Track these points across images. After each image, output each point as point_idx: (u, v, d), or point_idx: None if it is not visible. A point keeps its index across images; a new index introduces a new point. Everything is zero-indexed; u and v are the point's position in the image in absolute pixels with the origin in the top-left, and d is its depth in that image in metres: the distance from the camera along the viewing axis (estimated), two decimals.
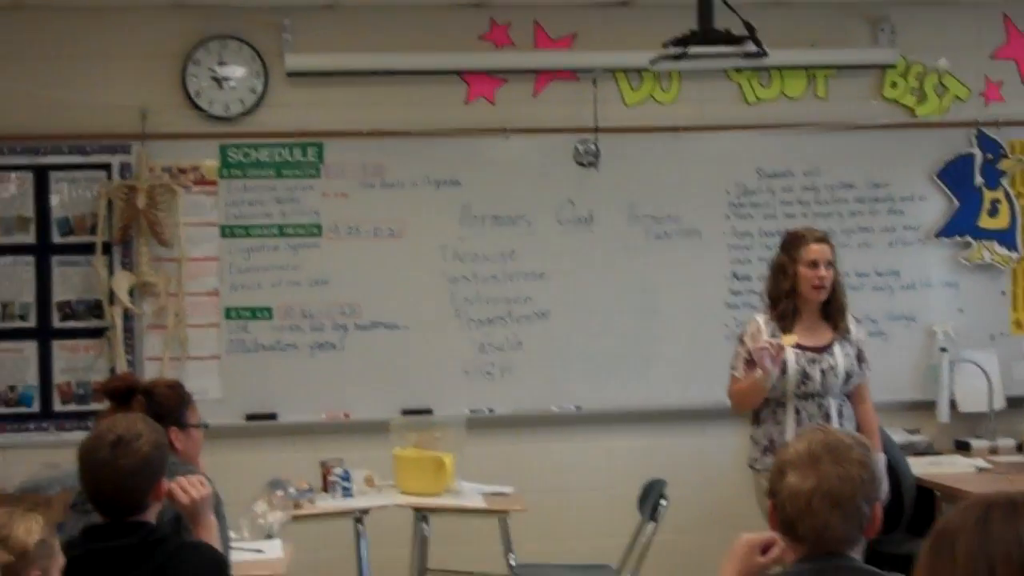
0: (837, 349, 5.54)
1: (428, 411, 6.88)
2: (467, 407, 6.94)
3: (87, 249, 6.76)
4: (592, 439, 7.04)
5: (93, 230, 6.75)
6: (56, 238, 6.81)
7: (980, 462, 6.55)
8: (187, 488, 3.60)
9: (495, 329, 6.99)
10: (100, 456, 3.25)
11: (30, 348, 6.81)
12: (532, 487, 6.64)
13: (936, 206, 7.20)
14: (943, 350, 7.03)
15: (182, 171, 6.84)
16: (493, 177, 6.98)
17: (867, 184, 7.17)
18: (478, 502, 6.09)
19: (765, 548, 2.91)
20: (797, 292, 5.50)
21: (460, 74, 6.96)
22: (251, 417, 6.85)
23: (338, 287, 6.92)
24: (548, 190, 7.00)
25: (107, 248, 6.76)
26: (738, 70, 7.02)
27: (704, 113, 7.08)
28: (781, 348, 5.31)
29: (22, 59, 6.76)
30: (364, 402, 6.90)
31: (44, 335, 6.82)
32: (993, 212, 7.19)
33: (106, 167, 6.80)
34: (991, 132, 7.19)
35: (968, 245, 7.20)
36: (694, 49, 5.26)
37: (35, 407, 6.81)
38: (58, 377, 6.81)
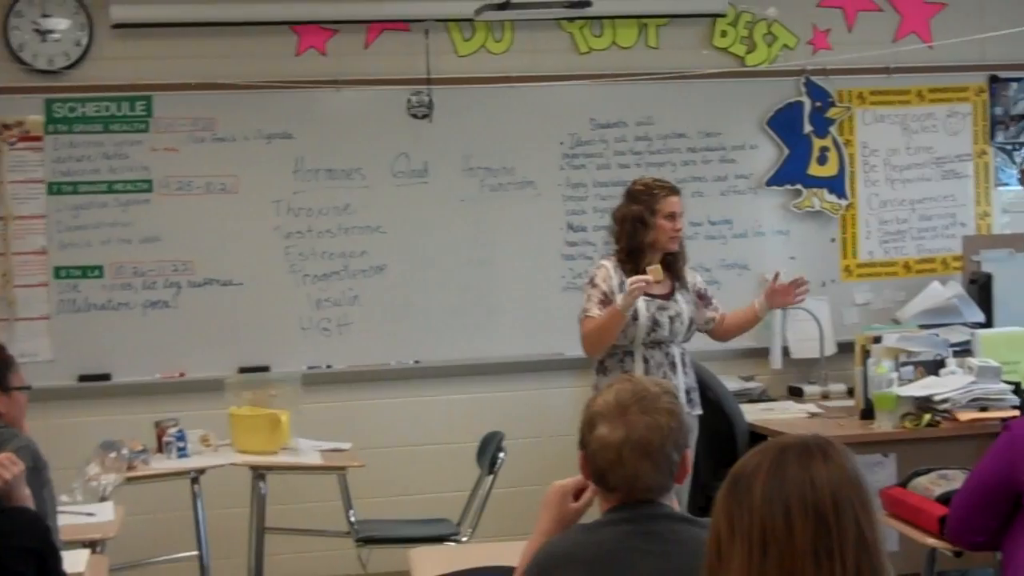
0: (679, 297, 5.63)
1: (265, 368, 6.80)
2: (305, 364, 6.87)
3: None
4: (431, 393, 7.02)
5: None
6: None
7: (812, 407, 6.65)
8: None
9: (331, 284, 6.92)
10: None
11: None
12: (372, 443, 6.63)
13: (766, 154, 7.28)
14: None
15: (6, 127, 6.64)
16: (326, 130, 6.89)
17: (699, 133, 7.22)
18: (315, 459, 6.05)
19: (578, 493, 2.93)
20: (654, 243, 5.55)
21: (290, 25, 6.84)
22: (84, 378, 6.71)
23: (170, 244, 6.79)
24: (382, 142, 6.93)
25: None
26: (570, 20, 7.02)
27: (537, 63, 7.05)
28: (649, 279, 5.34)
29: None
30: (200, 361, 6.79)
31: None
32: (822, 160, 7.30)
33: None
34: (819, 80, 7.28)
35: (798, 193, 7.30)
36: None
37: None
38: None
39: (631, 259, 5.55)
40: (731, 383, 6.76)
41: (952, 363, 6.16)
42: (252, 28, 6.80)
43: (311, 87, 6.85)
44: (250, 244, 6.85)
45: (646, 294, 5.45)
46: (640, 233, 5.56)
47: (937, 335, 6.39)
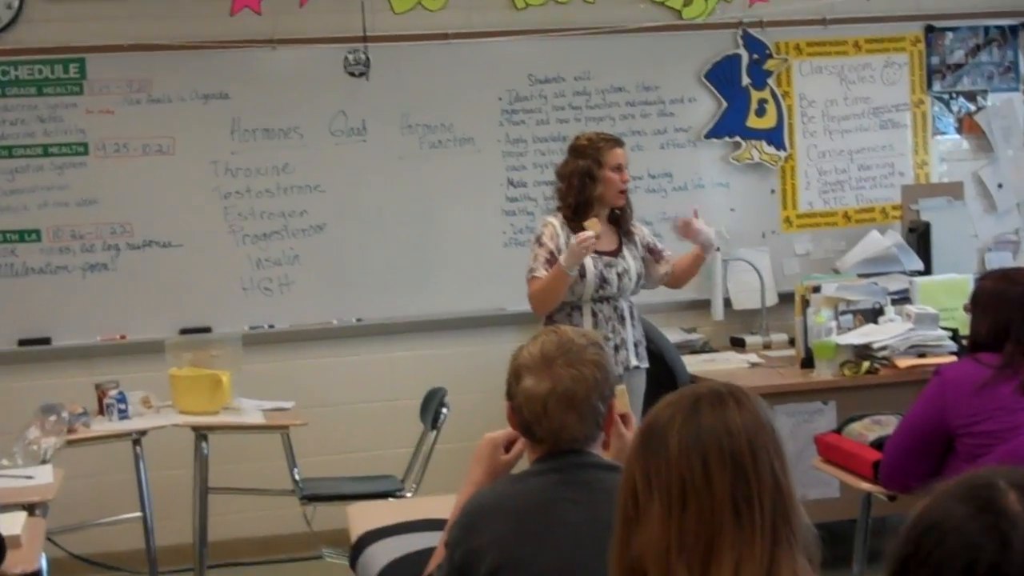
0: (626, 252, 5.64)
1: (207, 329, 6.76)
2: (247, 324, 6.84)
3: None
4: (374, 351, 7.00)
5: None
6: None
7: (753, 357, 6.71)
8: None
9: (271, 244, 6.88)
10: None
11: None
12: (315, 401, 6.63)
13: (705, 107, 7.28)
14: (716, 249, 7.12)
15: None
16: (263, 89, 6.83)
17: (637, 87, 7.20)
18: (257, 418, 6.05)
19: (509, 445, 2.95)
20: (602, 197, 5.55)
21: None
22: (23, 342, 6.65)
23: (108, 206, 6.73)
24: (319, 101, 6.88)
25: None
26: None
27: (474, 20, 7.00)
28: (592, 236, 5.35)
29: None
30: (141, 323, 6.75)
31: None
32: (760, 112, 7.30)
33: None
34: (756, 32, 7.27)
35: (738, 145, 7.30)
36: None
37: None
38: None
39: (578, 215, 5.54)
40: (673, 335, 6.80)
41: (891, 311, 6.24)
42: None
43: (247, 47, 6.80)
44: (189, 205, 6.80)
45: (594, 251, 5.45)
46: (588, 188, 5.55)
47: (876, 284, 6.45)
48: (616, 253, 5.61)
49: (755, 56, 7.28)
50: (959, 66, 7.55)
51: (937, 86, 7.52)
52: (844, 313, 6.20)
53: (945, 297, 6.32)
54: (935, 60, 7.51)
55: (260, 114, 6.83)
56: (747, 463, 1.95)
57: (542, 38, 7.05)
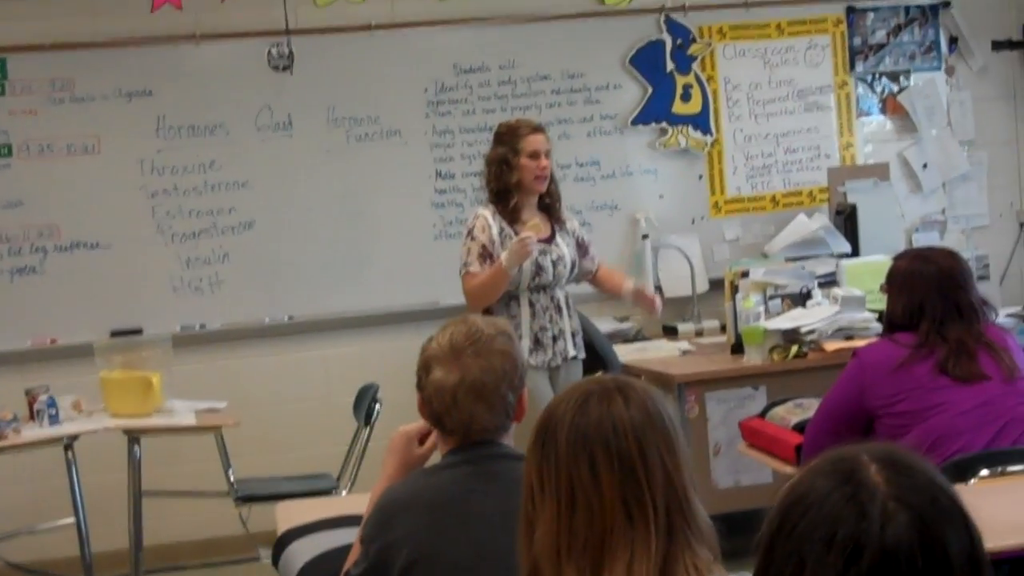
0: (560, 240, 5.61)
1: (138, 331, 6.72)
2: (178, 324, 6.80)
3: None
4: (306, 348, 6.98)
5: None
6: None
7: (685, 344, 6.73)
8: None
9: (200, 242, 6.84)
10: None
11: None
12: (249, 400, 6.60)
13: (631, 94, 7.28)
14: (645, 237, 7.17)
15: None
16: (187, 86, 6.79)
17: (562, 75, 7.19)
18: (189, 420, 6.01)
19: (423, 438, 2.95)
20: (520, 184, 5.53)
21: None
22: None
23: (34, 208, 6.67)
24: (244, 96, 6.84)
25: None
26: None
27: (396, 10, 6.97)
28: (534, 236, 5.36)
29: None
30: (71, 326, 6.70)
31: None
32: (686, 97, 7.32)
33: None
34: (678, 17, 7.28)
35: (664, 131, 7.31)
36: None
37: None
38: None
39: (500, 201, 5.52)
40: (605, 324, 6.81)
41: (818, 294, 6.26)
42: None
43: (169, 43, 6.75)
44: (116, 205, 6.75)
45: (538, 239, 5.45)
46: (506, 174, 5.52)
47: (803, 267, 6.48)
48: (550, 240, 5.59)
49: (679, 41, 7.29)
50: (881, 46, 7.59)
51: (860, 67, 7.56)
52: (772, 298, 6.22)
53: (872, 279, 6.31)
54: (857, 41, 7.55)
55: (185, 111, 6.79)
56: (636, 462, 1.94)
57: (465, 27, 7.05)
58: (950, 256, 4.23)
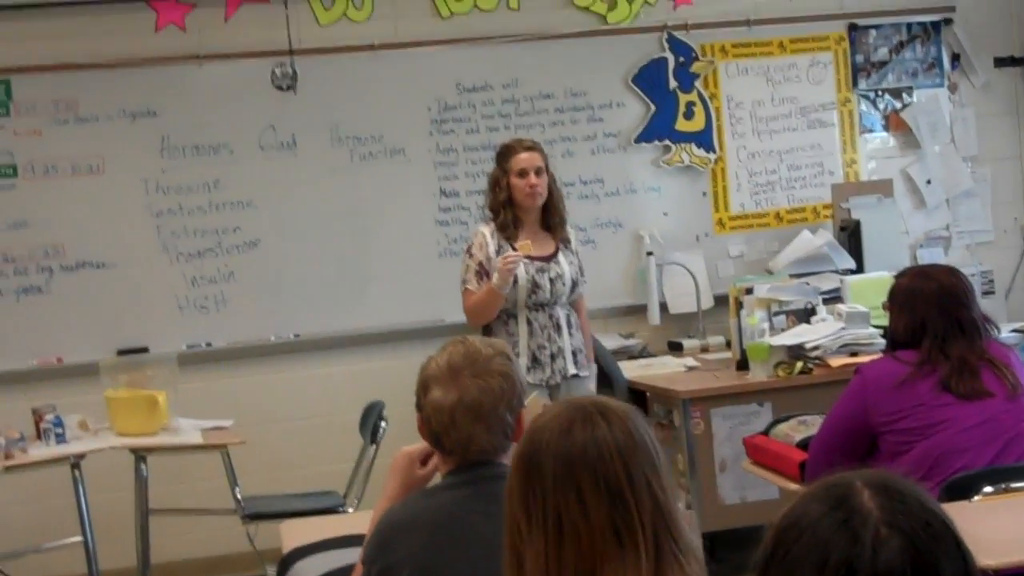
0: (562, 258, 5.66)
1: (144, 350, 6.74)
2: (184, 343, 6.82)
3: None
4: (312, 366, 6.99)
5: None
6: None
7: (690, 361, 6.73)
8: None
9: (206, 261, 6.86)
10: None
11: None
12: (255, 419, 6.61)
13: (633, 112, 7.30)
14: (650, 254, 7.17)
15: None
16: (190, 106, 6.81)
17: (566, 93, 7.21)
18: (195, 438, 6.01)
19: (425, 459, 2.96)
20: (515, 202, 5.58)
21: (147, 1, 6.75)
22: None
23: (39, 229, 6.70)
24: (248, 116, 6.86)
25: None
26: None
27: (399, 30, 7.00)
28: (520, 256, 5.42)
29: None
30: (77, 345, 6.71)
31: None
32: (689, 115, 7.33)
33: None
34: (681, 35, 7.30)
35: (668, 149, 7.33)
36: None
37: None
38: None
39: (497, 218, 5.61)
40: (611, 341, 6.82)
41: (822, 310, 6.26)
42: (108, 6, 6.70)
43: (173, 63, 6.78)
44: (121, 225, 6.77)
45: (526, 257, 5.51)
46: (498, 193, 5.62)
47: (807, 284, 6.48)
48: (550, 259, 5.63)
49: (681, 59, 7.31)
50: (884, 64, 7.61)
51: (863, 84, 7.58)
52: (777, 314, 6.22)
53: (876, 295, 6.28)
54: (859, 58, 7.56)
55: (189, 131, 6.82)
56: (624, 488, 1.94)
57: (468, 46, 7.06)
58: (951, 273, 4.23)
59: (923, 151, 7.65)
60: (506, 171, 5.61)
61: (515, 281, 5.50)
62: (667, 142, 7.32)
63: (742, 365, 6.20)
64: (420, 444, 2.96)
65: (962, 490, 3.71)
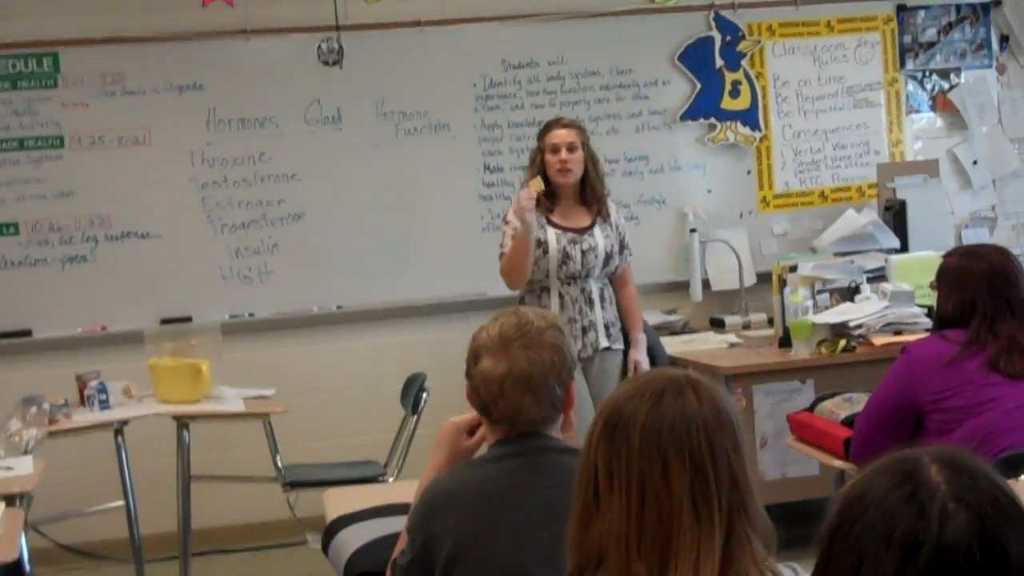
0: (597, 231, 5.73)
1: (188, 319, 6.79)
2: (227, 312, 6.86)
3: None
4: (355, 337, 7.03)
5: None
6: None
7: (732, 337, 6.73)
8: None
9: (250, 233, 6.90)
10: None
11: None
12: (297, 388, 6.65)
13: (679, 90, 7.29)
14: (693, 231, 7.17)
15: None
16: (237, 80, 6.84)
17: (611, 71, 7.20)
18: (238, 406, 6.05)
19: (472, 430, 2.97)
20: (549, 178, 5.65)
21: None
22: (4, 335, 6.67)
23: (86, 199, 6.75)
24: (294, 91, 6.89)
25: None
26: None
27: (446, 6, 7.00)
28: (530, 196, 5.48)
29: None
30: (121, 314, 6.77)
31: None
32: (735, 93, 7.32)
33: None
34: (728, 14, 7.28)
35: (713, 127, 7.31)
36: None
37: None
38: None
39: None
40: (653, 316, 6.82)
41: (867, 289, 6.25)
42: None
43: (220, 38, 6.81)
44: (166, 196, 6.82)
45: (557, 226, 5.62)
46: (534, 168, 5.75)
47: (852, 262, 6.48)
48: (583, 231, 5.69)
49: (728, 38, 7.29)
50: (932, 44, 7.56)
51: (910, 64, 7.54)
52: (821, 292, 6.22)
53: (921, 274, 6.30)
54: (907, 39, 7.52)
55: (235, 104, 6.84)
56: (706, 463, 1.94)
57: (515, 23, 7.07)
58: (1001, 253, 4.23)
59: (970, 132, 7.61)
60: (542, 147, 5.71)
61: (545, 251, 5.58)
62: (712, 120, 7.30)
63: (784, 343, 6.20)
64: (467, 414, 2.98)
65: (1008, 469, 3.69)
